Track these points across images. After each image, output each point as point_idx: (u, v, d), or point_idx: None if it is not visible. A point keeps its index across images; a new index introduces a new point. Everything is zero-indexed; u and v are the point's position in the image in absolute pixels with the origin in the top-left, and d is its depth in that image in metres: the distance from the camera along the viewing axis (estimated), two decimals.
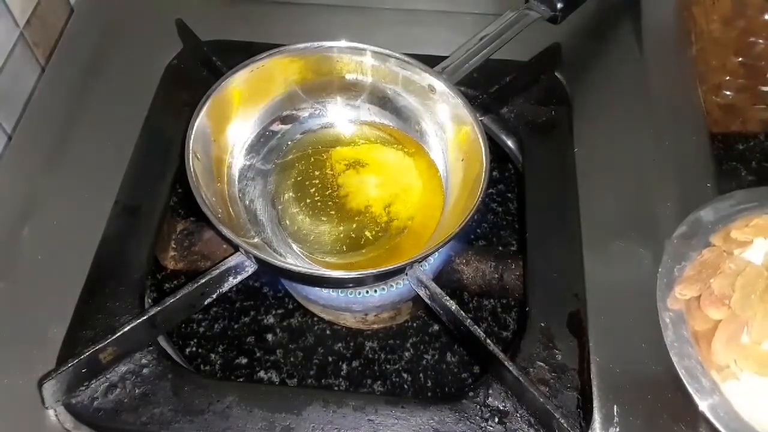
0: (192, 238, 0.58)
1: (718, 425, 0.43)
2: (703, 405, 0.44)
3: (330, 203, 0.55)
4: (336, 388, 0.54)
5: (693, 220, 0.52)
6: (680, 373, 0.45)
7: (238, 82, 0.54)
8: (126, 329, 0.46)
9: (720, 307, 0.45)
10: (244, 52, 0.55)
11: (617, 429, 0.46)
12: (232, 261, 0.50)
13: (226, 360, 0.55)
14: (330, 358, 0.56)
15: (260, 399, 0.47)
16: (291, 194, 0.55)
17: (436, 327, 0.57)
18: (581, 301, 0.51)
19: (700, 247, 0.50)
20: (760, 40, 0.67)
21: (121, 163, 0.57)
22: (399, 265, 0.47)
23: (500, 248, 0.61)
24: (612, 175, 0.58)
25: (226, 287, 0.51)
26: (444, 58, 0.56)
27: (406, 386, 0.54)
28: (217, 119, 0.53)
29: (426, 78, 0.54)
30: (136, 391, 0.47)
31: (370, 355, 0.56)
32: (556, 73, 0.64)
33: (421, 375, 0.55)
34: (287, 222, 0.54)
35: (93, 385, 0.47)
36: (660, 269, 0.50)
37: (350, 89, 0.58)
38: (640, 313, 0.50)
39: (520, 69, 0.61)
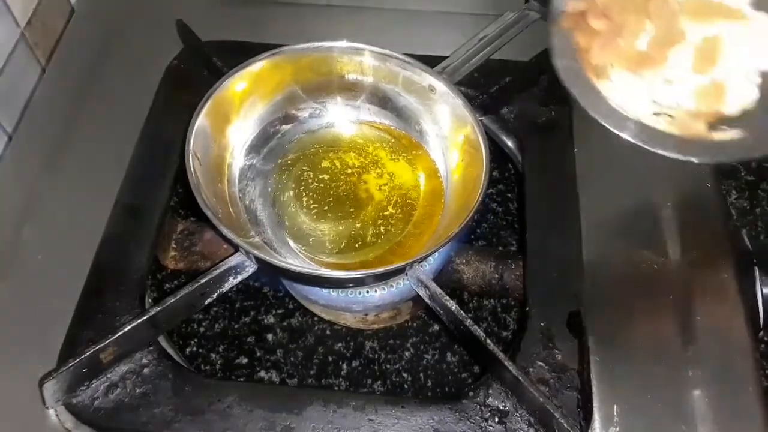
0: (192, 238, 0.58)
1: (596, 116, 0.45)
2: (585, 101, 0.46)
3: (330, 203, 0.55)
4: (336, 388, 0.54)
5: None
6: (560, 74, 0.47)
7: (238, 83, 0.54)
8: (126, 329, 0.46)
9: (602, 18, 0.47)
10: (244, 52, 0.55)
11: (617, 429, 0.46)
12: (232, 261, 0.50)
13: (227, 360, 0.55)
14: (330, 358, 0.56)
15: (260, 399, 0.47)
16: (291, 194, 0.55)
17: (436, 327, 0.57)
18: (581, 301, 0.51)
19: None
20: None
21: (121, 163, 0.57)
22: (399, 265, 0.47)
23: (500, 248, 0.61)
24: (612, 175, 0.58)
25: (226, 287, 0.51)
26: (444, 58, 0.56)
27: (406, 386, 0.54)
28: (217, 119, 0.53)
29: (426, 78, 0.54)
30: (137, 390, 0.47)
31: (370, 355, 0.56)
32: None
33: (421, 375, 0.55)
34: (287, 222, 0.54)
35: (93, 385, 0.47)
36: None
37: (350, 89, 0.58)
38: (640, 313, 0.50)
39: (520, 69, 0.61)
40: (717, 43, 0.45)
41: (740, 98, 0.45)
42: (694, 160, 0.45)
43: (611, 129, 0.45)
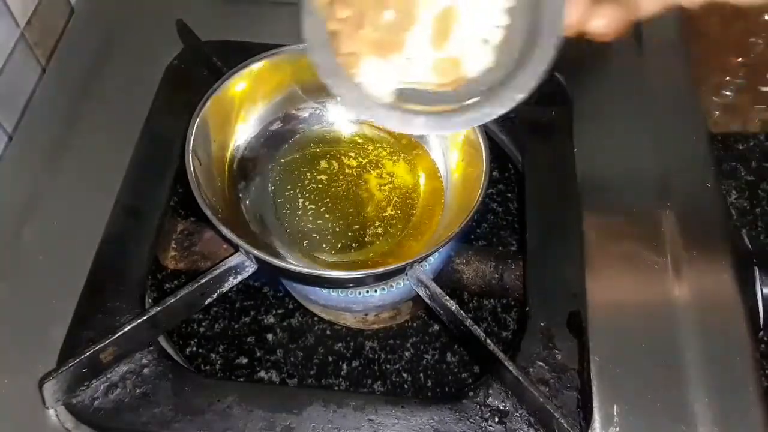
0: (192, 238, 0.58)
1: (346, 104, 0.45)
2: (337, 91, 0.45)
3: (330, 203, 0.55)
4: (336, 388, 0.54)
5: None
6: (314, 62, 0.45)
7: (238, 83, 0.54)
8: (126, 329, 0.46)
9: (346, 7, 0.46)
10: (244, 52, 0.55)
11: (617, 429, 0.46)
12: (232, 261, 0.50)
13: (227, 360, 0.55)
14: (330, 358, 0.56)
15: (260, 399, 0.47)
16: (291, 194, 0.55)
17: (436, 327, 0.57)
18: (581, 301, 0.51)
19: None
20: (760, 40, 0.67)
21: (121, 163, 0.57)
22: (399, 265, 0.47)
23: (500, 248, 0.61)
24: (612, 174, 0.58)
25: (226, 287, 0.51)
26: None
27: (406, 386, 0.54)
28: (217, 119, 0.53)
29: None
30: (137, 390, 0.47)
31: (370, 355, 0.56)
32: (556, 73, 0.63)
33: (421, 375, 0.55)
34: (287, 222, 0.54)
35: (93, 385, 0.47)
36: None
37: None
38: (640, 313, 0.50)
39: None
40: (450, 15, 0.44)
41: (479, 62, 0.45)
42: (446, 132, 0.44)
43: (365, 117, 0.45)
